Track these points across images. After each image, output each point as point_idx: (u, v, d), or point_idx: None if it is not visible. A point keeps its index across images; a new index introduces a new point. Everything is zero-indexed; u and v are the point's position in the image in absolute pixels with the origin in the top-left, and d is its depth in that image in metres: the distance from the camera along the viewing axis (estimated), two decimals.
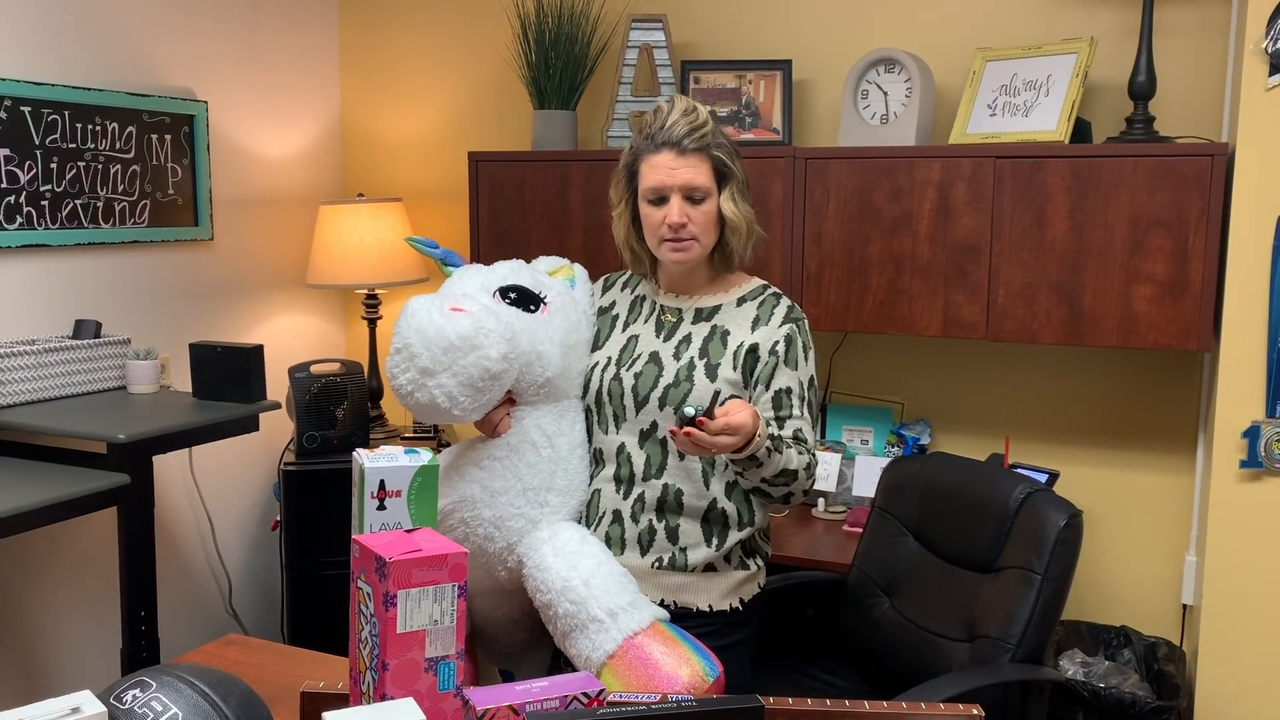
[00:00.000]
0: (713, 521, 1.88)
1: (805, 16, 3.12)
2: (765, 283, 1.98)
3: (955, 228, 2.66)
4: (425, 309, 1.72)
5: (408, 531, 1.31)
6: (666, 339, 1.93)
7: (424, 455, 1.46)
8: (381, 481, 1.43)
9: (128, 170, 3.00)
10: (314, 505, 3.12)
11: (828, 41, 3.09)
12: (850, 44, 3.06)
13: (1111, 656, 2.71)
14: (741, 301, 1.94)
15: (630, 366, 1.91)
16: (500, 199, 3.15)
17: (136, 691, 1.19)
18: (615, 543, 1.89)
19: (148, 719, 1.16)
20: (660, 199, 1.86)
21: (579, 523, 1.91)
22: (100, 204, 2.93)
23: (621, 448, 1.90)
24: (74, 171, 2.85)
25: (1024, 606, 2.07)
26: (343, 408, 3.16)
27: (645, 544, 1.88)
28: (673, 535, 1.88)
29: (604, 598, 1.74)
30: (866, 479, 2.93)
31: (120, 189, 2.99)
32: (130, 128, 3.00)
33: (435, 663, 1.25)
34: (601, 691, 1.22)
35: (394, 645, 1.22)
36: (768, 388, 1.86)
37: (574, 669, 1.78)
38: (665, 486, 1.87)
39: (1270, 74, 2.33)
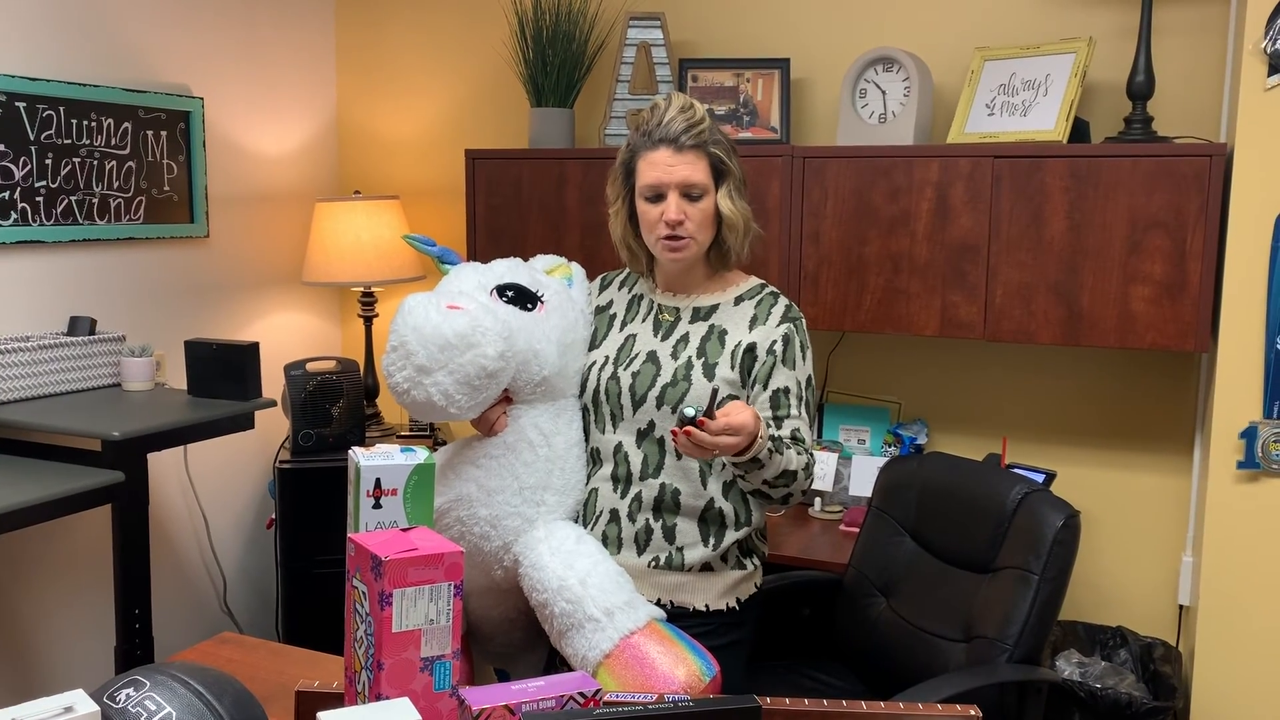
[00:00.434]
0: (710, 521, 1.87)
1: (803, 15, 3.11)
2: (763, 282, 1.98)
3: (953, 227, 2.66)
4: (422, 307, 1.71)
5: (403, 530, 1.30)
6: (664, 338, 1.92)
7: (420, 453, 1.46)
8: (377, 480, 1.42)
9: (123, 166, 2.99)
10: (309, 503, 3.12)
11: (826, 40, 3.09)
12: (848, 43, 3.05)
13: (1108, 657, 2.71)
14: (739, 300, 1.93)
15: (628, 366, 1.91)
16: (497, 197, 3.15)
17: (130, 690, 1.19)
18: (612, 542, 1.89)
19: (141, 718, 1.15)
20: (657, 196, 1.86)
21: (575, 522, 1.90)
22: (95, 200, 2.92)
23: (619, 447, 1.90)
24: (69, 168, 2.84)
25: (1021, 607, 2.07)
26: (338, 406, 3.15)
27: (642, 543, 1.88)
28: (669, 535, 1.87)
29: (600, 597, 1.74)
30: (863, 479, 2.93)
31: (115, 185, 2.97)
32: (126, 124, 2.99)
33: (431, 662, 1.24)
34: (598, 691, 1.22)
35: (389, 644, 1.22)
36: (765, 387, 1.86)
37: (570, 668, 1.78)
38: (662, 486, 1.86)
39: (1269, 74, 2.33)
